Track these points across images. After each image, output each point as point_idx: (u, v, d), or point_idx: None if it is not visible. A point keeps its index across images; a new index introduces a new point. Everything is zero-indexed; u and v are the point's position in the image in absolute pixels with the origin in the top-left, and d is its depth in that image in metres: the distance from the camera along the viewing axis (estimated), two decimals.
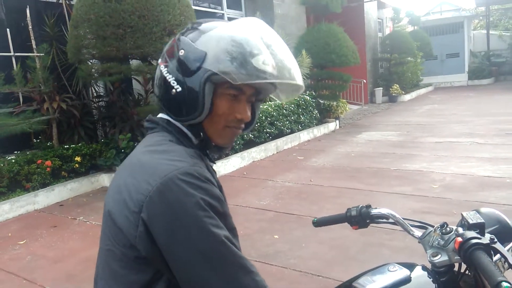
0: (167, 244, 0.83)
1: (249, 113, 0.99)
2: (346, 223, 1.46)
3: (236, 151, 6.73)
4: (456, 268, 1.21)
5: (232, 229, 0.93)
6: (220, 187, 0.97)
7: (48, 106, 5.74)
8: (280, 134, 7.91)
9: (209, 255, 0.82)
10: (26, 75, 5.71)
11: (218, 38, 0.92)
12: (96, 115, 6.67)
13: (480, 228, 1.08)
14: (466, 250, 1.02)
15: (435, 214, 3.85)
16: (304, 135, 8.52)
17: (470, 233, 1.06)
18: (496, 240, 1.05)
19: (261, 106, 6.94)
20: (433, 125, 8.95)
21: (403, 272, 1.17)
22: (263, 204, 4.67)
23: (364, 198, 4.48)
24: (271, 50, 0.94)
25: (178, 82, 0.94)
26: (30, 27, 5.80)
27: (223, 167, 6.22)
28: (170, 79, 0.95)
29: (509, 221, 1.25)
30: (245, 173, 6.23)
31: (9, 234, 4.27)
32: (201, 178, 0.86)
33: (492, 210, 1.30)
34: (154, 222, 0.83)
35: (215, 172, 1.04)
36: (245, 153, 6.79)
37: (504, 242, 1.17)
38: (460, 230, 1.12)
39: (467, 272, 1.20)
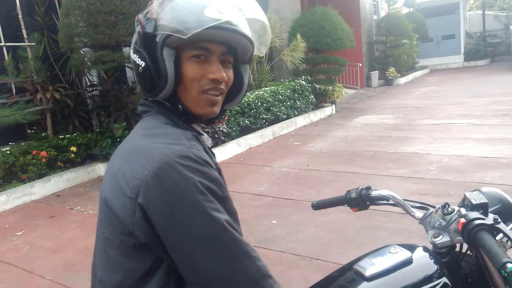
0: (166, 229, 0.81)
1: (224, 74, 0.94)
2: (345, 206, 1.46)
3: (232, 138, 6.70)
4: (457, 249, 1.20)
5: (232, 213, 0.90)
6: (219, 170, 0.93)
7: (41, 96, 5.67)
8: (276, 120, 7.88)
9: (209, 240, 0.80)
10: (18, 65, 5.63)
11: (163, 1, 0.90)
12: (90, 104, 6.61)
13: (483, 208, 1.07)
14: (469, 231, 1.00)
15: (432, 196, 3.86)
16: (301, 120, 8.49)
17: (474, 214, 1.04)
18: (499, 220, 1.04)
19: (257, 92, 6.89)
20: (429, 107, 8.94)
21: (404, 254, 1.16)
22: (261, 190, 4.67)
23: (361, 181, 4.48)
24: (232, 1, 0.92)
25: (141, 57, 0.91)
26: (20, 16, 5.70)
27: (220, 154, 6.19)
28: (135, 58, 0.93)
29: (511, 200, 1.24)
30: (242, 159, 6.22)
31: (7, 226, 4.26)
32: (199, 160, 0.83)
33: (494, 190, 1.29)
34: (151, 207, 0.80)
35: (214, 155, 1.01)
36: (242, 140, 6.76)
37: (506, 221, 1.16)
38: (463, 210, 1.11)
39: (468, 252, 1.20)
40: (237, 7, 0.93)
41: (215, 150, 6.07)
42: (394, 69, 14.40)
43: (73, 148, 5.52)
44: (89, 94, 6.67)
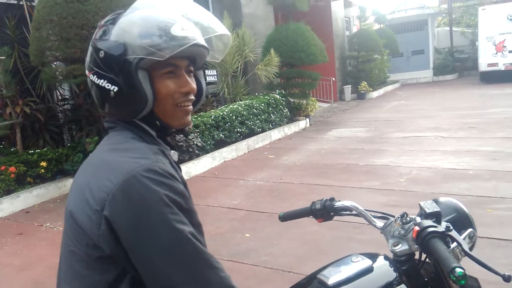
0: (131, 241, 0.82)
1: (193, 84, 0.98)
2: (310, 217, 1.50)
3: (207, 151, 6.70)
4: (417, 257, 1.25)
5: (197, 225, 0.93)
6: (185, 184, 0.96)
7: (11, 111, 5.55)
8: (251, 133, 7.93)
9: (173, 251, 0.82)
10: None
11: (129, 24, 0.91)
12: (61, 118, 6.50)
13: (436, 216, 1.12)
14: (423, 238, 1.06)
15: (401, 207, 3.95)
16: (275, 134, 8.57)
17: (427, 222, 1.10)
18: (451, 228, 1.10)
19: (231, 106, 6.92)
20: (400, 120, 9.20)
21: (366, 262, 1.20)
22: (235, 204, 4.68)
23: (333, 193, 4.49)
24: (185, 15, 0.96)
25: (113, 82, 0.92)
26: None
27: (194, 167, 6.18)
28: (103, 83, 0.93)
29: (466, 210, 1.30)
30: (216, 173, 6.22)
31: None
32: (164, 174, 0.86)
33: (449, 199, 1.35)
34: (117, 220, 0.82)
35: (180, 168, 1.03)
36: (216, 153, 6.77)
37: (461, 230, 1.22)
38: (418, 219, 1.16)
39: (427, 260, 1.25)
40: (192, 20, 0.97)
41: (189, 164, 6.07)
42: (366, 83, 14.75)
43: (43, 163, 5.40)
44: (60, 108, 6.56)
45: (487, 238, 3.21)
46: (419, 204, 1.19)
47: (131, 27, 0.91)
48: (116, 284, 0.87)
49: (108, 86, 0.93)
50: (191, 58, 1.00)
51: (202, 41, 0.96)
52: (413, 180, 4.85)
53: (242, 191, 5.12)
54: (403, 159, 5.82)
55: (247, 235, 3.77)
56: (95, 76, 0.95)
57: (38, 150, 5.61)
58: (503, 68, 14.01)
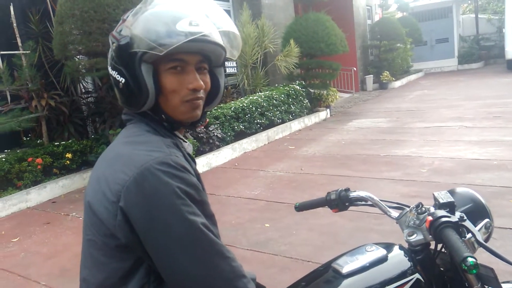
0: (145, 231, 0.86)
1: (201, 82, 0.99)
2: (326, 207, 1.51)
3: (227, 143, 6.75)
4: (432, 247, 1.25)
5: (210, 216, 0.96)
6: (198, 176, 0.99)
7: (36, 104, 5.71)
8: (271, 125, 7.93)
9: (186, 242, 0.85)
10: (12, 73, 5.67)
11: (140, 19, 0.94)
12: (85, 111, 6.64)
13: (450, 207, 1.12)
14: (436, 228, 1.06)
15: (422, 198, 3.86)
16: (295, 125, 8.55)
17: (440, 212, 1.09)
18: (465, 218, 1.09)
19: (251, 97, 6.93)
20: (422, 110, 9.02)
21: (380, 252, 1.21)
22: (255, 194, 4.71)
23: (353, 184, 4.53)
24: (201, 11, 0.97)
25: (121, 74, 0.96)
26: (15, 24, 5.75)
27: (215, 159, 6.24)
28: (115, 75, 0.98)
29: (482, 200, 1.29)
30: (236, 164, 6.26)
31: (2, 232, 4.28)
32: (177, 167, 0.89)
33: (466, 190, 1.34)
34: (132, 211, 0.86)
35: (194, 161, 1.06)
36: (236, 145, 6.81)
37: (477, 220, 1.21)
38: (432, 209, 1.16)
39: (443, 250, 1.25)
40: (206, 15, 0.98)
41: (210, 155, 6.13)
42: (388, 73, 14.50)
43: (69, 155, 5.55)
44: (84, 101, 6.71)
45: (510, 229, 3.15)
46: (433, 195, 1.19)
47: (140, 21, 0.93)
48: (133, 271, 0.91)
49: (118, 77, 0.97)
50: (204, 55, 1.01)
51: (211, 37, 0.96)
52: (435, 170, 4.77)
53: (262, 182, 5.15)
54: (425, 150, 5.72)
55: (266, 225, 3.80)
56: (110, 67, 1.00)
57: (63, 142, 5.77)
58: None
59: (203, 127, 6.39)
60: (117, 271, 0.91)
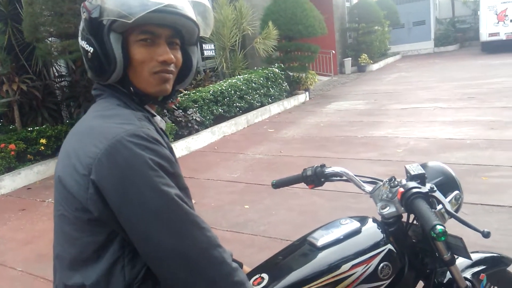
0: (119, 204, 0.85)
1: (172, 55, 0.98)
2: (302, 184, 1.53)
3: (206, 126, 6.71)
4: (405, 219, 1.28)
5: (184, 189, 0.96)
6: (170, 149, 0.98)
7: (7, 88, 5.53)
8: (250, 108, 7.91)
9: (160, 213, 0.84)
10: None
11: None
12: (59, 95, 6.48)
13: (421, 178, 1.15)
14: (407, 199, 1.08)
15: (398, 177, 3.98)
16: (275, 108, 8.55)
17: (411, 184, 1.12)
18: (435, 189, 1.12)
19: (230, 80, 6.86)
20: (399, 92, 9.15)
21: (354, 225, 1.24)
22: (234, 177, 4.72)
23: (332, 165, 4.57)
24: None
25: (89, 43, 0.94)
26: None
27: (194, 142, 6.20)
28: (84, 44, 0.96)
29: (453, 173, 1.33)
30: (216, 147, 6.25)
31: None
32: (149, 139, 0.88)
33: (437, 163, 1.38)
34: (103, 184, 0.84)
35: (167, 135, 1.06)
36: (216, 128, 6.78)
37: (448, 192, 1.25)
38: (404, 182, 1.19)
39: (415, 222, 1.28)
40: None
41: (189, 139, 6.10)
42: (366, 55, 14.59)
43: (43, 141, 5.42)
44: (57, 85, 6.53)
45: (481, 204, 3.26)
46: (405, 167, 1.21)
47: None
48: (106, 245, 0.90)
49: (87, 47, 0.95)
50: (177, 30, 1.00)
51: (183, 10, 0.95)
52: (411, 150, 4.87)
53: (242, 165, 5.16)
54: (401, 130, 5.83)
55: (246, 206, 3.83)
56: (80, 37, 0.98)
57: (37, 128, 5.63)
58: (504, 38, 13.82)
59: (181, 111, 6.33)
60: (90, 245, 0.90)
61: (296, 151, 5.48)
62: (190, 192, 1.00)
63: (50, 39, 5.40)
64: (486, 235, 0.96)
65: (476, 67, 11.42)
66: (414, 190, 1.09)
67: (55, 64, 6.40)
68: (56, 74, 6.57)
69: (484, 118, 5.90)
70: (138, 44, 0.95)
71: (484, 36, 14.30)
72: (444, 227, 0.94)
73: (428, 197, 1.09)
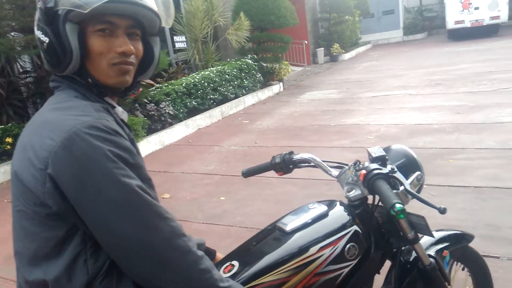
0: (78, 197, 0.84)
1: (131, 46, 0.96)
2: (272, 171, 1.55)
3: (180, 120, 6.66)
4: (371, 201, 1.32)
5: (146, 180, 0.96)
6: (132, 140, 0.97)
7: None
8: (225, 100, 7.89)
9: (122, 204, 0.84)
10: None
11: None
12: (24, 92, 6.28)
13: (382, 160, 1.19)
14: (369, 180, 1.12)
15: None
16: (249, 99, 8.56)
17: (373, 165, 1.16)
18: (396, 170, 1.16)
19: (203, 73, 6.80)
20: (370, 80, 9.30)
21: (321, 208, 1.27)
22: (210, 169, 4.72)
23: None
24: None
25: (45, 34, 0.92)
26: None
27: (168, 136, 6.15)
28: (40, 35, 0.94)
29: (414, 155, 1.38)
30: (190, 140, 6.21)
31: None
32: (107, 130, 0.87)
33: (399, 146, 1.42)
34: (61, 177, 0.83)
35: (128, 126, 1.04)
36: (190, 121, 6.74)
37: (410, 174, 1.29)
38: (367, 164, 1.23)
39: (380, 203, 1.32)
40: None
41: (162, 133, 6.04)
42: (338, 45, 14.73)
43: (9, 139, 5.25)
44: (22, 81, 6.33)
45: (448, 186, 3.38)
46: (367, 150, 1.25)
47: None
48: (67, 239, 0.89)
49: (42, 37, 0.93)
50: (137, 20, 0.98)
51: (142, 1, 0.94)
52: (381, 137, 4.98)
53: (217, 157, 5.16)
54: (372, 118, 5.94)
55: (222, 198, 3.84)
56: (35, 28, 0.96)
57: (2, 126, 5.44)
58: (469, 25, 14.20)
59: (153, 105, 6.25)
60: (50, 240, 0.89)
61: (271, 141, 5.51)
62: (153, 183, 1.00)
63: (12, 33, 5.21)
64: (442, 211, 1.00)
65: (443, 54, 11.72)
66: (375, 171, 1.12)
67: (19, 59, 6.19)
68: (21, 70, 6.36)
69: (450, 103, 6.08)
70: (95, 34, 0.93)
71: (450, 24, 14.65)
72: (402, 205, 0.98)
73: (389, 178, 1.13)
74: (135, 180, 0.87)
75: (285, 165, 1.48)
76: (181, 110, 6.73)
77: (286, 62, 10.12)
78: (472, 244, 1.60)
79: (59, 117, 0.89)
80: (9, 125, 5.53)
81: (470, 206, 3.02)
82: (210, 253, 1.36)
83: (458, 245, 1.52)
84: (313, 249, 1.15)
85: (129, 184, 0.85)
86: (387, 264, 1.39)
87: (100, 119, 0.88)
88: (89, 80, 0.96)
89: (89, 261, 0.89)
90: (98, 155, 0.83)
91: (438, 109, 5.85)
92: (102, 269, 0.90)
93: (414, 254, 1.38)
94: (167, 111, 6.37)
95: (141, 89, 6.02)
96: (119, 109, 1.05)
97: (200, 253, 0.93)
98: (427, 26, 18.78)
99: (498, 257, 2.37)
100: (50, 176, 0.84)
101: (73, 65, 0.93)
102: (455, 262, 1.57)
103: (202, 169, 4.75)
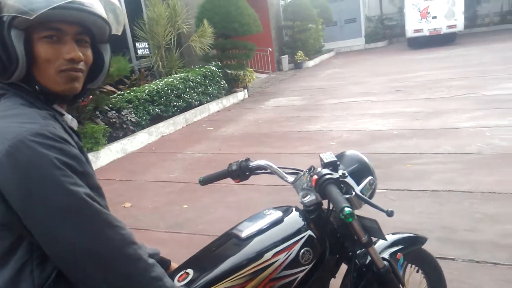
0: (23, 206, 0.81)
1: (80, 53, 0.95)
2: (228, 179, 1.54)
3: (143, 127, 6.54)
4: (325, 206, 1.34)
5: (96, 188, 0.93)
6: (80, 148, 0.96)
7: None
8: (189, 107, 7.82)
9: (68, 213, 0.82)
10: None
11: None
12: None
13: (333, 165, 1.21)
14: (320, 185, 1.14)
15: None
16: (214, 106, 8.53)
17: (324, 171, 1.18)
18: (347, 175, 1.18)
19: (166, 79, 6.71)
20: (334, 87, 9.50)
21: (277, 214, 1.28)
22: (173, 177, 4.66)
23: (270, 160, 4.65)
24: None
25: None
26: None
27: (130, 144, 6.02)
28: None
29: (367, 160, 1.41)
30: (153, 148, 6.11)
31: None
32: (54, 137, 0.85)
33: (352, 152, 1.45)
34: (5, 187, 0.81)
35: (77, 134, 1.02)
36: (153, 128, 6.63)
37: (362, 179, 1.32)
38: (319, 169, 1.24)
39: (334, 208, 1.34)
40: None
41: (124, 141, 5.91)
42: (302, 53, 14.98)
43: None
44: None
45: (407, 190, 3.48)
46: (319, 156, 1.27)
47: None
48: (12, 250, 0.86)
49: None
50: (86, 27, 0.97)
51: (91, 7, 0.93)
52: (343, 142, 5.08)
53: (180, 164, 5.10)
54: (335, 124, 6.06)
55: (184, 206, 3.79)
56: None
57: None
58: (427, 34, 14.83)
59: (115, 112, 6.12)
60: None
61: (236, 148, 5.51)
62: (103, 192, 0.98)
63: None
64: (389, 214, 1.03)
65: (403, 62, 12.15)
66: (326, 176, 1.14)
67: None
68: None
69: (410, 109, 6.30)
70: (42, 41, 0.91)
71: (409, 33, 15.24)
72: (351, 209, 1.00)
73: (340, 183, 1.15)
74: (83, 188, 0.85)
75: (241, 172, 1.48)
76: (144, 118, 6.62)
77: (251, 69, 10.19)
78: (429, 247, 1.65)
79: (4, 124, 0.86)
80: None
81: (428, 210, 3.12)
82: (165, 263, 1.34)
83: (412, 248, 1.57)
84: (268, 255, 1.15)
85: (77, 192, 0.83)
86: (344, 268, 1.41)
87: (46, 127, 0.86)
88: (36, 87, 0.94)
89: (35, 271, 0.87)
90: (44, 163, 0.81)
91: (398, 115, 6.04)
92: (49, 280, 0.88)
93: (369, 257, 1.41)
94: (129, 118, 6.24)
95: (90, 96, 5.82)
96: (68, 117, 1.03)
97: (151, 261, 0.92)
98: (388, 34, 19.45)
99: (453, 259, 2.45)
100: None
101: (19, 72, 0.91)
102: (410, 264, 1.61)
103: (165, 177, 4.68)
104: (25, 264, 0.86)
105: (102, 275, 0.85)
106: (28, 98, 0.94)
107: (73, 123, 1.05)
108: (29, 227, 0.83)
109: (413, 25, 15.05)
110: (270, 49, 13.46)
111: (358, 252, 1.40)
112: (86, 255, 0.83)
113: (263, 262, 1.15)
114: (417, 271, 1.65)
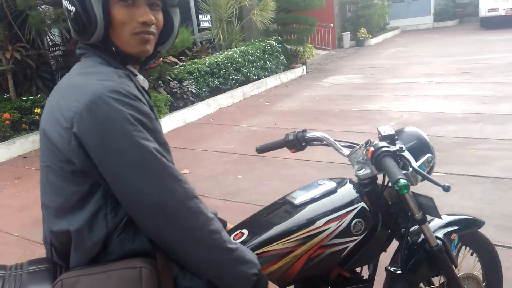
0: (99, 156, 0.90)
1: (152, 16, 1.00)
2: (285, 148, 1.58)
3: (202, 98, 6.72)
4: (380, 182, 1.34)
5: (163, 144, 1.01)
6: (151, 106, 1.03)
7: (0, 57, 5.49)
8: (247, 81, 7.90)
9: (139, 165, 0.90)
10: None
11: None
12: (53, 65, 6.44)
13: (391, 139, 1.20)
14: (376, 157, 1.14)
15: None
16: (271, 81, 8.53)
17: (381, 143, 1.17)
18: (404, 149, 1.18)
19: (226, 53, 6.81)
20: (395, 67, 9.12)
21: (330, 184, 1.30)
22: (229, 148, 4.78)
23: None
24: None
25: (71, 3, 0.97)
26: None
27: (189, 114, 6.23)
28: (67, 4, 0.99)
29: (426, 137, 1.38)
30: (211, 119, 6.28)
31: None
32: (128, 95, 0.92)
33: (412, 128, 1.43)
34: (85, 136, 0.90)
35: (148, 93, 1.10)
36: (211, 100, 6.79)
37: (420, 155, 1.30)
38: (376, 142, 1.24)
39: (389, 184, 1.34)
40: None
41: (184, 111, 6.13)
42: (365, 30, 14.42)
43: (38, 110, 5.42)
44: (52, 54, 6.48)
45: (467, 175, 3.34)
46: (377, 128, 1.26)
47: None
48: (89, 194, 0.96)
49: (69, 7, 0.98)
50: None
51: None
52: (403, 123, 4.92)
53: (236, 137, 5.21)
54: (395, 104, 5.86)
55: (239, 176, 3.90)
56: None
57: (32, 97, 5.62)
58: (503, 13, 13.64)
59: (176, 82, 6.32)
60: (74, 195, 0.96)
61: (291, 124, 5.52)
62: (169, 148, 1.05)
63: (43, 6, 5.32)
64: (446, 189, 1.02)
65: (474, 43, 11.34)
66: (383, 149, 1.14)
67: (49, 32, 6.33)
68: (50, 43, 6.51)
69: (477, 92, 5.93)
70: (118, 4, 0.97)
71: (483, 12, 14.11)
72: (407, 181, 1.00)
73: (397, 156, 1.14)
74: (153, 143, 0.93)
75: (298, 142, 1.51)
76: (204, 89, 6.79)
77: (311, 45, 10.00)
78: (487, 233, 1.60)
79: (85, 81, 0.95)
80: (38, 96, 5.70)
81: (488, 196, 2.98)
82: (221, 222, 1.41)
83: (468, 230, 1.53)
84: (319, 222, 1.19)
85: (147, 146, 0.91)
86: (395, 244, 1.41)
87: (122, 85, 0.94)
88: (113, 48, 1.02)
89: (109, 215, 0.96)
90: (119, 118, 0.89)
91: (463, 98, 5.71)
92: (120, 224, 0.97)
93: (422, 236, 1.39)
94: (189, 89, 6.43)
95: (161, 59, 6.02)
96: (140, 77, 1.10)
97: (211, 215, 0.98)
98: (459, 13, 18.13)
99: None
100: (75, 135, 0.90)
101: (97, 34, 0.98)
102: (464, 247, 1.58)
103: (221, 148, 4.82)
104: (100, 208, 0.96)
105: (164, 224, 0.92)
106: (106, 58, 1.02)
107: (145, 84, 1.12)
108: (103, 175, 0.92)
109: (487, 4, 13.89)
110: (332, 25, 13.08)
111: (411, 230, 1.39)
112: (151, 205, 0.91)
113: (315, 229, 1.18)
114: (471, 254, 1.61)
